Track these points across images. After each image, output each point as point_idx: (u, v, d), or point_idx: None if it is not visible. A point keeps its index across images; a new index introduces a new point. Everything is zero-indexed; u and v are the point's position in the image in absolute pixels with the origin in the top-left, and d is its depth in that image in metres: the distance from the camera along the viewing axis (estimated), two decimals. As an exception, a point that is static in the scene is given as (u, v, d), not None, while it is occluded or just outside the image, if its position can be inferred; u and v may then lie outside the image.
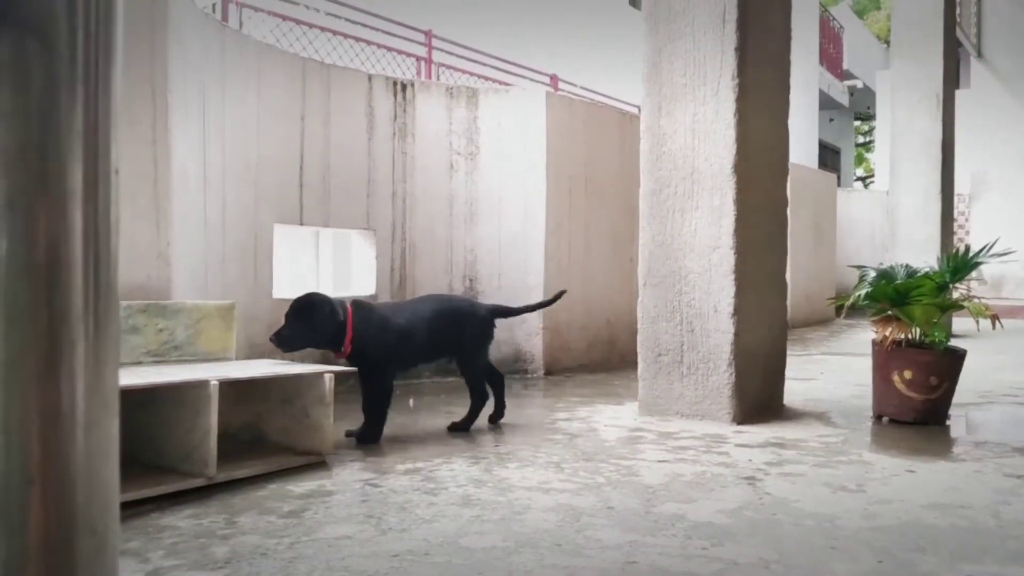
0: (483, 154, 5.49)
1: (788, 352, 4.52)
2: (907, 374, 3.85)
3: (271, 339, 3.31)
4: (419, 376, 5.06)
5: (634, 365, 4.11)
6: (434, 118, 5.44)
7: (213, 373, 2.81)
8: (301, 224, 4.84)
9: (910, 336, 3.94)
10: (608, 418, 3.99)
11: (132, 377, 2.68)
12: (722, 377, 3.81)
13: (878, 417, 4.00)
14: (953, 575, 2.01)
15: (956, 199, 10.38)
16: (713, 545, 2.19)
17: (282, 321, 3.37)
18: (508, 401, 3.91)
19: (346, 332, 3.35)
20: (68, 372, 0.62)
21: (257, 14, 6.82)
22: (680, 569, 2.02)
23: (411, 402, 4.38)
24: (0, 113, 0.61)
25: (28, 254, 0.60)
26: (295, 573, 1.99)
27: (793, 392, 4.58)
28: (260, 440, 3.19)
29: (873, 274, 4.13)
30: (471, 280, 5.49)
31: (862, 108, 23.32)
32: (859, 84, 20.52)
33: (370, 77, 5.25)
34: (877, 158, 18.64)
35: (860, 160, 28.21)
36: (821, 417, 4.04)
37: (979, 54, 15.00)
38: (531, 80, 9.77)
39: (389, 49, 8.15)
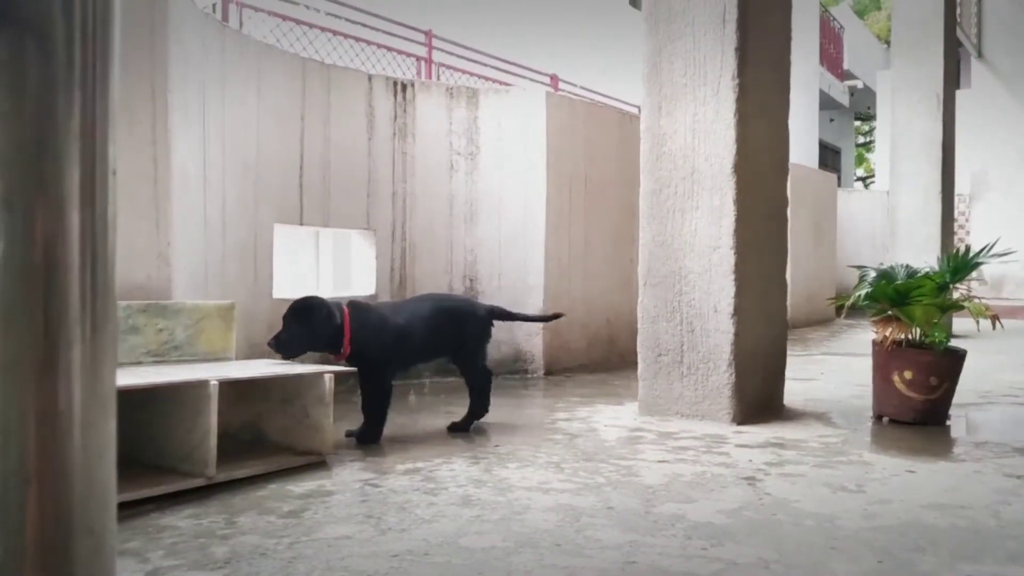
0: (483, 154, 5.49)
1: (788, 352, 4.52)
2: (907, 374, 3.85)
3: (269, 344, 3.31)
4: (419, 376, 5.06)
5: (634, 365, 4.11)
6: (434, 118, 5.44)
7: (213, 373, 2.81)
8: (301, 224, 4.84)
9: (910, 336, 3.94)
10: (608, 418, 3.98)
11: (132, 377, 2.68)
12: (722, 377, 3.81)
13: (878, 417, 4.00)
14: (953, 575, 2.01)
15: (956, 199, 10.38)
16: (713, 545, 2.19)
17: (281, 322, 3.37)
18: (508, 401, 3.91)
19: (344, 334, 3.35)
20: (65, 372, 0.62)
21: (257, 14, 6.82)
22: (680, 569, 2.02)
23: (411, 398, 4.38)
24: (-2, 114, 0.61)
25: (26, 255, 0.60)
26: (295, 573, 1.99)
27: (793, 392, 4.58)
28: (260, 440, 3.19)
29: (873, 274, 4.12)
30: (471, 280, 5.49)
31: (862, 108, 23.31)
32: (859, 84, 20.51)
33: (370, 77, 5.25)
34: (877, 158, 18.64)
35: (860, 160, 28.20)
36: (821, 417, 4.04)
37: (979, 54, 14.99)
38: (531, 80, 9.77)
39: (389, 49, 8.14)
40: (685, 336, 3.91)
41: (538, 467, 3.02)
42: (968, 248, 4.39)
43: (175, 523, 2.35)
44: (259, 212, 4.50)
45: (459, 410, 3.86)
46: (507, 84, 9.01)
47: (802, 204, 9.31)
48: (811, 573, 2.02)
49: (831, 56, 19.06)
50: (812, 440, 3.50)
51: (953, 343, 4.08)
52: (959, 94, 9.39)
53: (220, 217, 4.14)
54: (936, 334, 3.92)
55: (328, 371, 3.05)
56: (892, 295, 3.87)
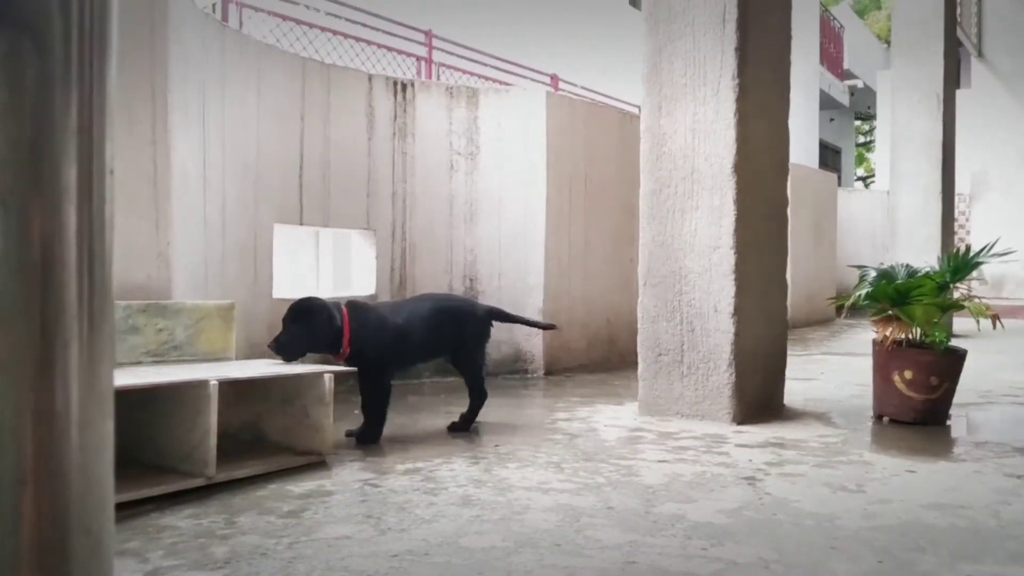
0: (483, 154, 5.49)
1: (788, 352, 4.52)
2: (907, 374, 3.84)
3: (270, 346, 3.30)
4: (419, 376, 5.06)
5: (634, 365, 4.11)
6: (434, 118, 5.44)
7: (213, 373, 2.80)
8: (301, 224, 4.84)
9: (911, 336, 3.94)
10: (608, 418, 3.98)
11: (132, 377, 2.68)
12: (722, 377, 3.81)
13: (878, 417, 4.00)
14: (953, 575, 2.01)
15: (956, 199, 10.37)
16: (713, 545, 2.19)
17: (281, 323, 3.37)
18: (508, 401, 3.91)
19: (343, 334, 3.34)
20: (62, 371, 0.62)
21: (257, 14, 6.81)
22: (680, 569, 2.02)
23: (412, 394, 4.38)
24: (-6, 112, 0.61)
25: (22, 253, 0.60)
26: (294, 573, 1.98)
27: (793, 392, 4.58)
28: (260, 440, 3.19)
29: (873, 274, 4.12)
30: (471, 280, 5.49)
31: (863, 108, 23.31)
32: (859, 84, 20.51)
33: (370, 77, 5.25)
34: (877, 158, 18.64)
35: (860, 160, 28.20)
36: (821, 417, 4.04)
37: (980, 54, 15.00)
38: (531, 80, 9.77)
39: (389, 49, 8.14)
40: (685, 336, 3.91)
41: (538, 467, 3.01)
42: (968, 248, 4.39)
43: (175, 523, 2.35)
44: (259, 212, 4.50)
45: (459, 410, 3.85)
46: (507, 84, 9.01)
47: (802, 204, 9.30)
48: (811, 573, 2.01)
49: (831, 56, 19.06)
50: (812, 440, 3.50)
51: (953, 343, 4.08)
52: (959, 94, 9.39)
53: (220, 217, 4.14)
54: (936, 334, 3.92)
55: (328, 371, 3.05)
56: (892, 295, 3.87)
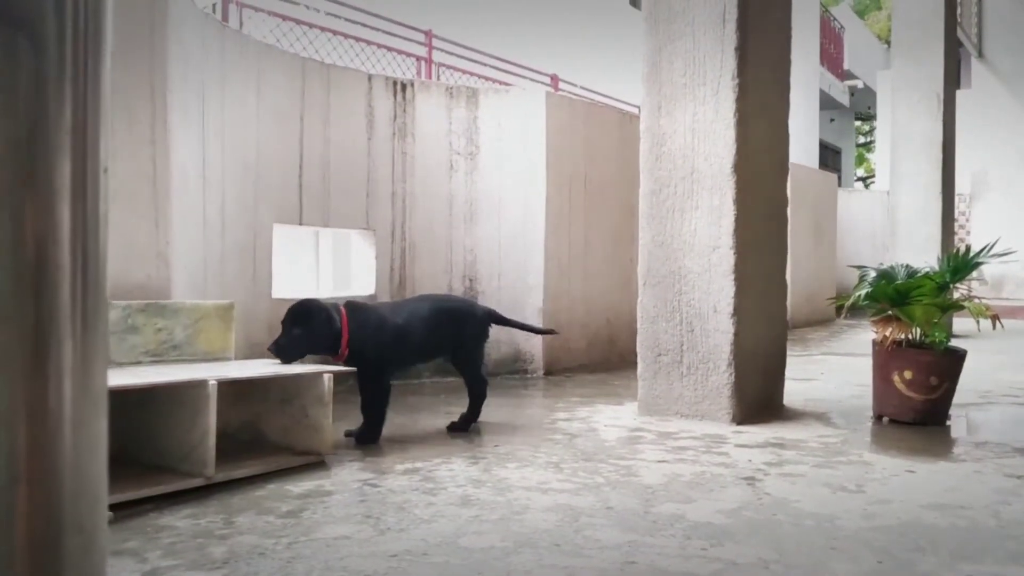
0: (483, 154, 5.49)
1: (788, 352, 4.51)
2: (907, 374, 3.84)
3: (269, 348, 3.30)
4: (419, 376, 5.06)
5: (634, 365, 4.11)
6: (434, 118, 5.43)
7: (212, 373, 2.80)
8: (301, 224, 4.84)
9: (910, 336, 3.93)
10: (608, 418, 3.98)
11: (131, 377, 2.68)
12: (722, 377, 3.81)
13: (878, 417, 3.99)
14: (953, 575, 2.01)
15: (956, 199, 10.37)
16: (712, 545, 2.19)
17: (280, 324, 3.36)
18: (508, 401, 3.91)
19: (342, 336, 3.34)
20: (56, 370, 0.62)
21: (257, 14, 6.81)
22: (679, 569, 2.02)
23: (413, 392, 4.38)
24: (-11, 110, 0.61)
25: (15, 252, 0.60)
26: (293, 573, 1.98)
27: (793, 392, 4.58)
28: (259, 440, 3.19)
29: (873, 274, 4.12)
30: (471, 280, 5.49)
31: (863, 108, 23.31)
32: (860, 84, 20.51)
33: (370, 77, 5.25)
34: (878, 158, 18.63)
35: (861, 160, 28.19)
36: (821, 417, 4.04)
37: (980, 54, 14.99)
38: (531, 80, 9.77)
39: (389, 49, 8.14)
40: (685, 336, 3.90)
41: (537, 467, 3.01)
42: (968, 248, 4.39)
43: (173, 523, 2.35)
44: (259, 212, 4.49)
45: (459, 410, 3.85)
46: (507, 84, 9.01)
47: (802, 204, 9.30)
48: (811, 573, 2.01)
49: (831, 56, 19.06)
50: (812, 440, 3.50)
51: (953, 343, 4.07)
52: (959, 94, 9.38)
53: (219, 217, 4.13)
54: (936, 334, 3.91)
55: (327, 371, 3.05)
56: (892, 295, 3.86)
